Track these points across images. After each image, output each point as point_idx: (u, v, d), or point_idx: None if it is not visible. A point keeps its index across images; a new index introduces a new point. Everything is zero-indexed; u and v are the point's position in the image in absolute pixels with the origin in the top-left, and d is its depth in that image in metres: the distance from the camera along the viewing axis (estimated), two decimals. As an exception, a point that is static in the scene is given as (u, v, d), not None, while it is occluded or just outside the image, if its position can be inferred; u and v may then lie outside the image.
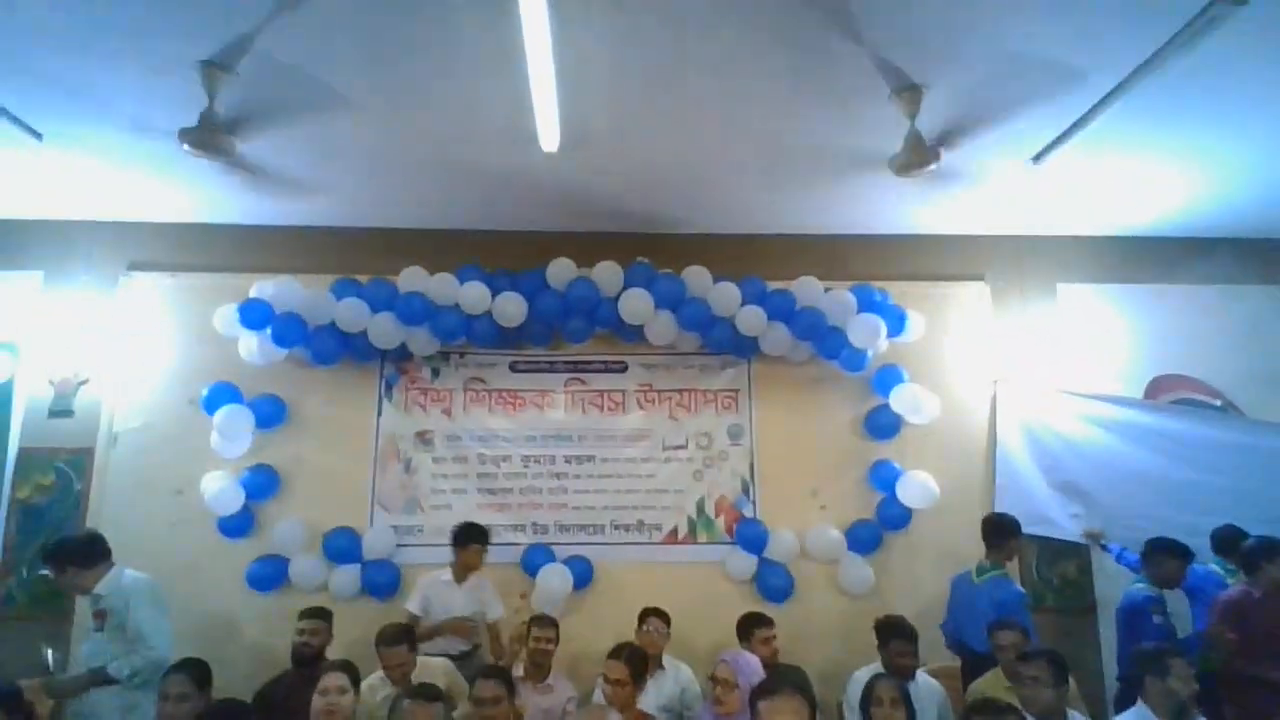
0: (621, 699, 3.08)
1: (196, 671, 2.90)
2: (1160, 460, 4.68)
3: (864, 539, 4.63)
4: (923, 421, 4.74)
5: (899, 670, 3.28)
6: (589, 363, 4.99)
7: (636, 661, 3.20)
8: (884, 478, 4.70)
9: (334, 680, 2.91)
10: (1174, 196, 4.58)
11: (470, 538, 4.11)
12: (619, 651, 3.21)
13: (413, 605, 4.00)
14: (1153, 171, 4.25)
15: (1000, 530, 4.08)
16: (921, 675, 3.47)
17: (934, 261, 5.10)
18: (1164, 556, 3.78)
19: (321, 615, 3.72)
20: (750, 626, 3.76)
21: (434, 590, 4.05)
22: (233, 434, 4.42)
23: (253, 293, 4.41)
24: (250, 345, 4.45)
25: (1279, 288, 5.16)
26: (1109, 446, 4.71)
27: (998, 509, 4.48)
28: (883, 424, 4.79)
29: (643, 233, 4.99)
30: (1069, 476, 4.68)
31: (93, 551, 3.33)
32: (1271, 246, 5.17)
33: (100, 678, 3.16)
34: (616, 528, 4.75)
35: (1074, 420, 4.72)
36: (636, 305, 4.48)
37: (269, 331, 4.37)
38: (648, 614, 3.96)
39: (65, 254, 4.78)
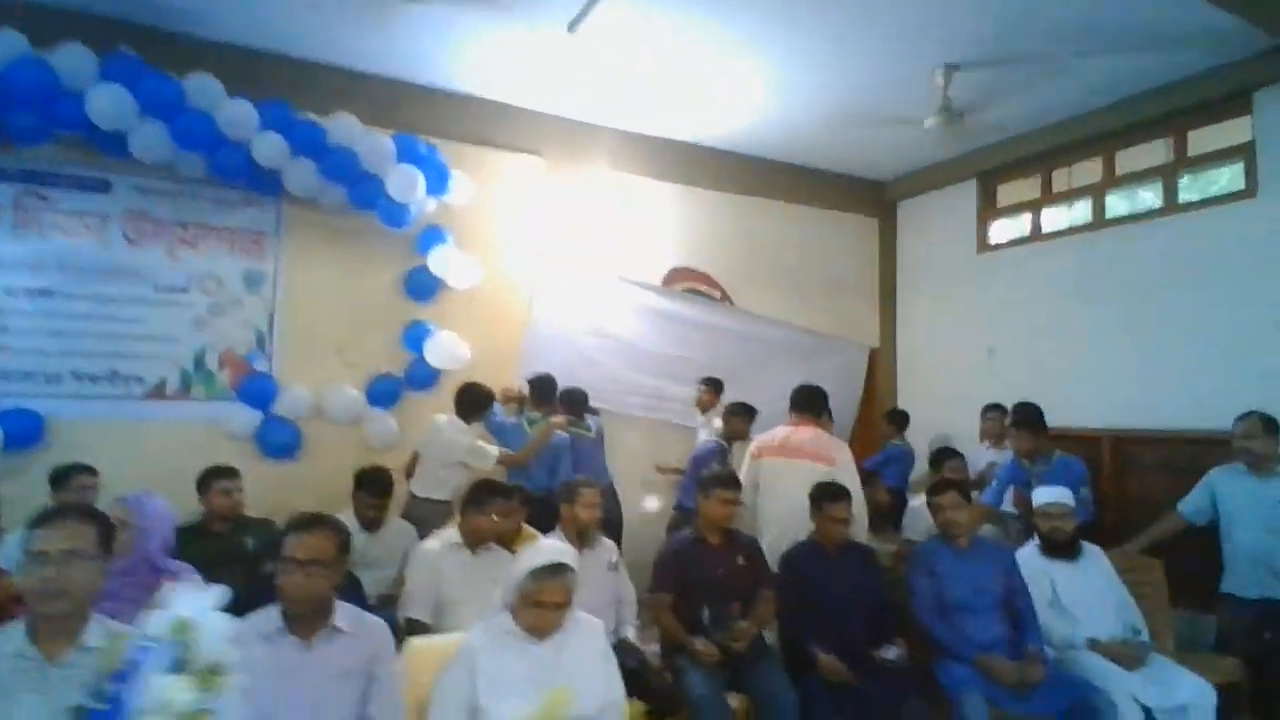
0: None
1: None
2: (665, 340, 5.46)
3: (383, 394, 4.54)
4: (463, 286, 4.75)
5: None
6: (54, 175, 3.95)
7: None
8: (417, 339, 4.62)
9: None
10: (710, 108, 5.10)
11: None
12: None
13: None
14: (690, 79, 4.65)
15: (548, 388, 4.51)
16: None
17: (491, 128, 5.04)
18: (736, 413, 4.59)
19: None
20: (209, 479, 3.40)
21: None
22: None
23: None
24: None
25: (769, 200, 6.17)
26: (630, 326, 5.33)
27: (522, 372, 4.74)
28: (422, 285, 4.68)
29: (133, 22, 4.00)
30: (591, 351, 5.16)
31: None
32: (774, 167, 6.15)
33: None
34: (80, 378, 3.94)
35: (604, 300, 5.19)
36: (110, 105, 3.61)
37: None
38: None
39: None
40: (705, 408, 5.02)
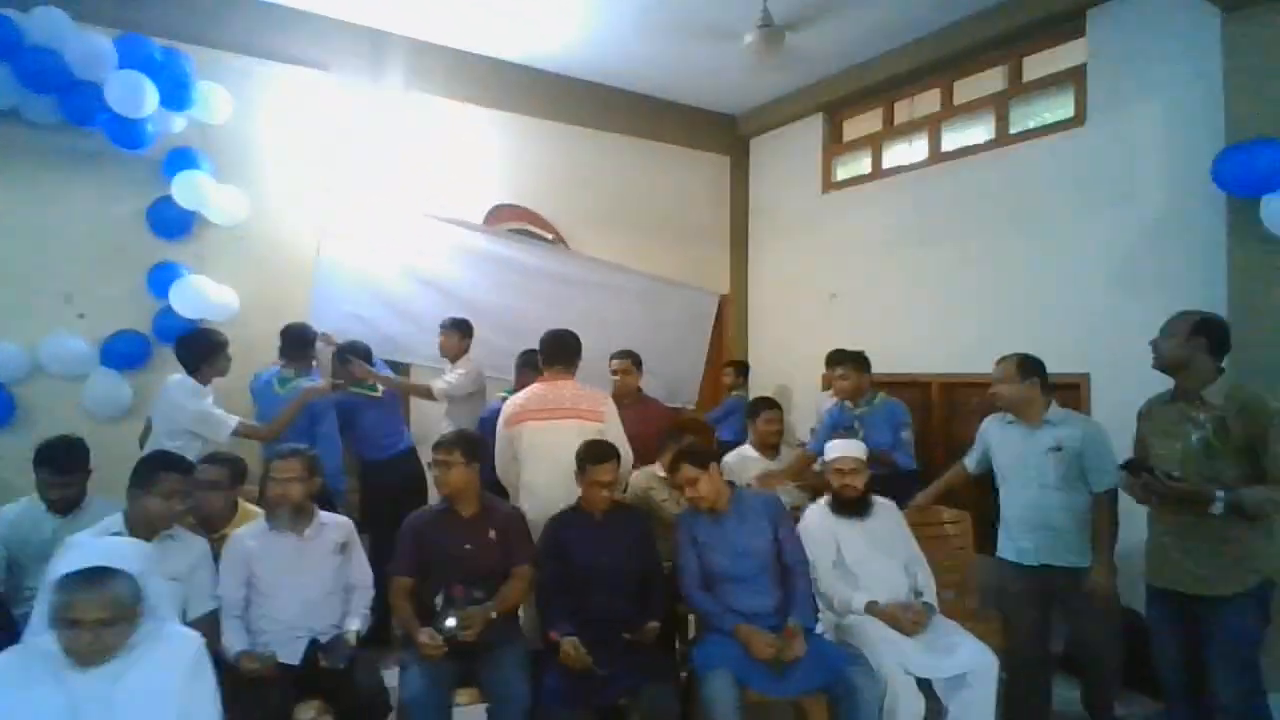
0: None
1: None
2: (489, 286, 4.88)
3: (124, 353, 3.85)
4: (226, 222, 4.07)
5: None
6: None
7: None
8: (163, 284, 3.92)
9: None
10: (539, 28, 4.52)
11: None
12: None
13: None
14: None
15: (300, 341, 3.85)
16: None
17: (260, 34, 4.29)
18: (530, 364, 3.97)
19: None
20: None
21: None
22: None
23: None
24: None
25: (611, 134, 5.66)
26: (446, 270, 4.72)
27: (313, 323, 4.11)
28: (169, 219, 3.96)
29: None
30: (398, 299, 4.56)
31: None
32: (616, 97, 5.62)
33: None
34: None
35: (414, 241, 4.57)
36: None
37: None
38: None
39: None
40: (453, 355, 4.20)
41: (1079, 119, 4.07)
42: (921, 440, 4.22)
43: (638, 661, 2.49)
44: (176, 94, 3.76)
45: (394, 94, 4.72)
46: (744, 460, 3.85)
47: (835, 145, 5.61)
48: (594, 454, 2.76)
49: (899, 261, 4.98)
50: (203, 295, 3.93)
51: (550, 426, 3.08)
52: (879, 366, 4.13)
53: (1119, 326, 3.68)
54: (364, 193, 4.49)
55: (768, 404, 4.00)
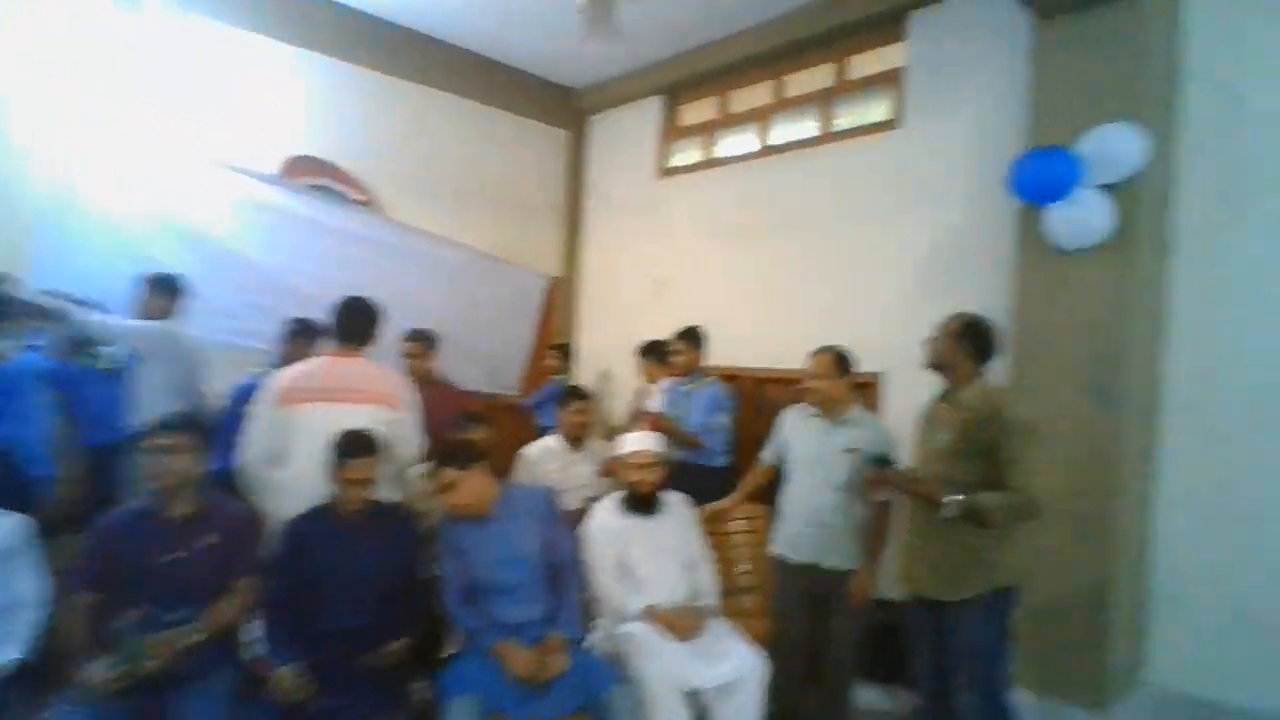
0: None
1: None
2: (280, 248, 4.26)
3: None
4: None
5: None
6: None
7: None
8: None
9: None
10: None
11: None
12: None
13: None
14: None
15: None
16: None
17: None
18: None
19: None
20: None
21: None
22: None
23: None
24: None
25: (439, 92, 5.20)
26: (223, 225, 4.06)
27: (36, 280, 3.38)
28: None
29: None
30: (159, 254, 3.87)
31: None
32: (449, 53, 5.15)
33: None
34: None
35: (186, 188, 3.88)
36: None
37: None
38: None
39: None
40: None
41: (896, 121, 4.12)
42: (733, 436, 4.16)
43: (374, 689, 2.17)
44: None
45: (170, 18, 4.02)
46: (546, 453, 3.59)
47: (672, 130, 5.46)
48: (352, 445, 2.38)
49: (726, 252, 4.90)
50: None
51: (334, 411, 2.60)
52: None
53: (912, 328, 3.73)
54: (122, 131, 3.78)
55: (576, 394, 3.74)
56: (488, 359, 5.14)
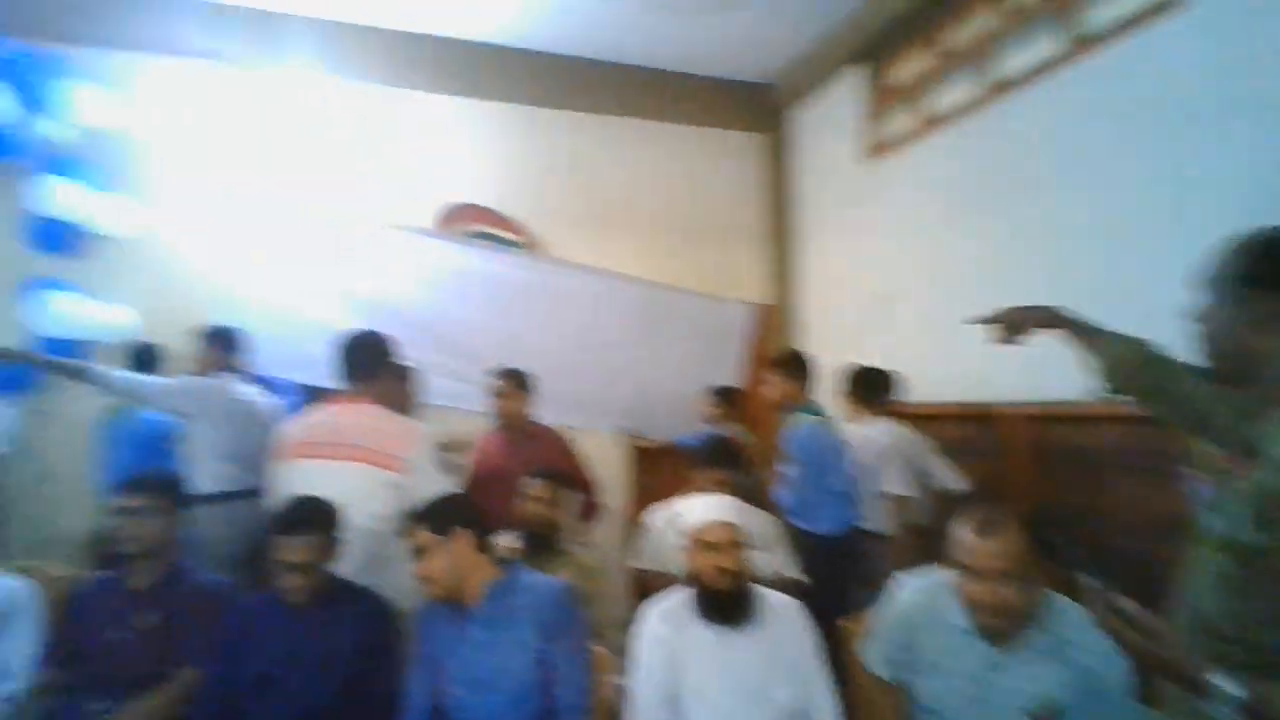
0: None
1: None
2: (448, 303, 3.99)
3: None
4: (119, 234, 3.68)
5: None
6: None
7: None
8: (42, 303, 3.55)
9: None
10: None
11: None
12: None
13: None
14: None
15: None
16: None
17: (135, 22, 3.90)
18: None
19: None
20: None
21: None
22: None
23: None
24: None
25: (603, 116, 4.78)
26: (395, 286, 3.92)
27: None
28: (50, 233, 3.61)
29: None
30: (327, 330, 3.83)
31: None
32: (594, 69, 4.74)
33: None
34: None
35: (354, 254, 3.82)
36: None
37: None
38: None
39: None
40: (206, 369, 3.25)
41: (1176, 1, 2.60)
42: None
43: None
44: (31, 95, 3.40)
45: (314, 82, 4.15)
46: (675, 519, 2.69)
47: (882, 94, 4.26)
48: (288, 520, 1.84)
49: (962, 239, 3.60)
50: (77, 318, 3.52)
51: (323, 469, 2.16)
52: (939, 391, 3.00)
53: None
54: (289, 195, 3.91)
55: (722, 454, 2.78)
56: (679, 403, 4.39)
